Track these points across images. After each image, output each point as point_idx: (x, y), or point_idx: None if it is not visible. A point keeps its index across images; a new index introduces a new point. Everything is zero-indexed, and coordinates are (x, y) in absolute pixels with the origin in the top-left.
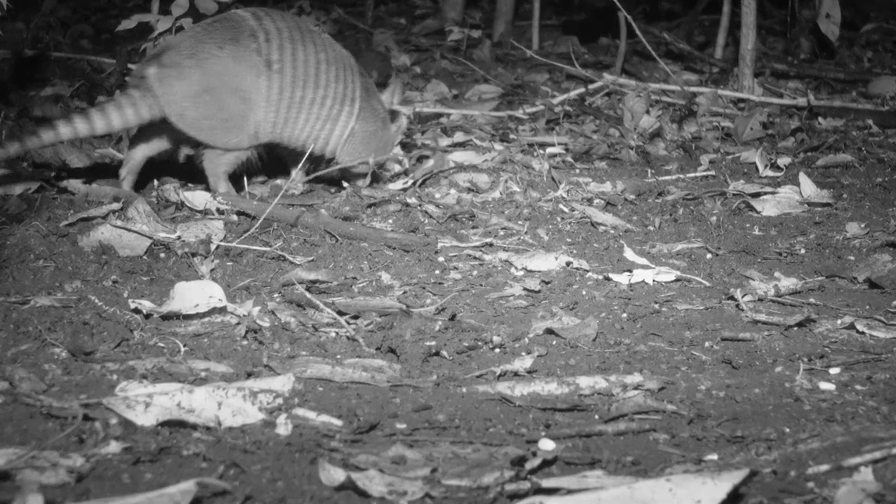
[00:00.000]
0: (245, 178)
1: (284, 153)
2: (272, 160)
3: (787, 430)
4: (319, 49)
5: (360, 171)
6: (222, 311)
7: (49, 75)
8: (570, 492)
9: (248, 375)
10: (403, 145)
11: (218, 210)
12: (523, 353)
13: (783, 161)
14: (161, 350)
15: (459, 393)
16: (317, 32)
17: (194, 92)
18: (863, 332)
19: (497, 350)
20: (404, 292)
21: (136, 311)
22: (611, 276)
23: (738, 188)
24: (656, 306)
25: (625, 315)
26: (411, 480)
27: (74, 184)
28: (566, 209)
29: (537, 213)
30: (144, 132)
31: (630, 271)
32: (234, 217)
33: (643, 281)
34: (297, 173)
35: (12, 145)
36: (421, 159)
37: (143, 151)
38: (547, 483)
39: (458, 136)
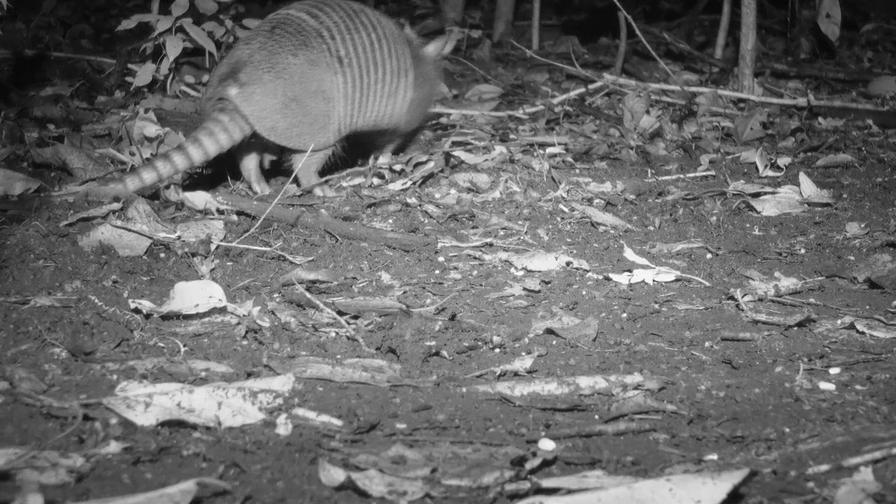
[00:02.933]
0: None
1: (365, 140)
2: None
3: (787, 430)
4: (371, 30)
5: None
6: (222, 311)
7: (49, 75)
8: (570, 492)
9: (248, 375)
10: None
11: (218, 210)
12: (523, 353)
13: (783, 161)
14: (161, 350)
15: (459, 393)
16: (362, 11)
17: (281, 104)
18: (863, 332)
19: (497, 350)
20: (404, 292)
21: (136, 311)
22: (611, 276)
23: (738, 188)
24: (656, 306)
25: (625, 315)
26: (411, 480)
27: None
28: (566, 209)
29: (537, 213)
30: (241, 148)
31: (630, 271)
32: (234, 217)
33: (643, 281)
34: (383, 158)
35: (124, 183)
36: (417, 165)
37: (254, 160)
38: (547, 483)
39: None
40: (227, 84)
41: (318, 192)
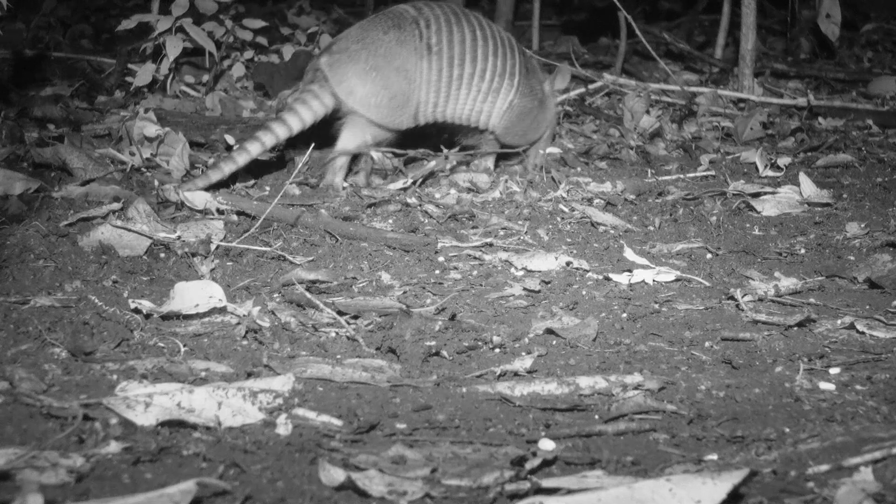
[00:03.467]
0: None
1: (449, 131)
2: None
3: (787, 430)
4: (476, 28)
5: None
6: (222, 311)
7: (49, 75)
8: (570, 492)
9: (248, 375)
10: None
11: (218, 210)
12: (523, 353)
13: (783, 161)
14: (161, 350)
15: (459, 393)
16: (475, 16)
17: (362, 70)
18: (863, 332)
19: (497, 350)
20: (404, 292)
21: (136, 311)
22: (611, 276)
23: (738, 188)
24: (656, 306)
25: (625, 315)
26: (411, 480)
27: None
28: (566, 209)
29: (537, 213)
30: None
31: (630, 271)
32: (234, 217)
33: (643, 281)
34: (486, 162)
35: (225, 165)
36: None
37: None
38: (547, 483)
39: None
40: (322, 55)
41: (333, 185)
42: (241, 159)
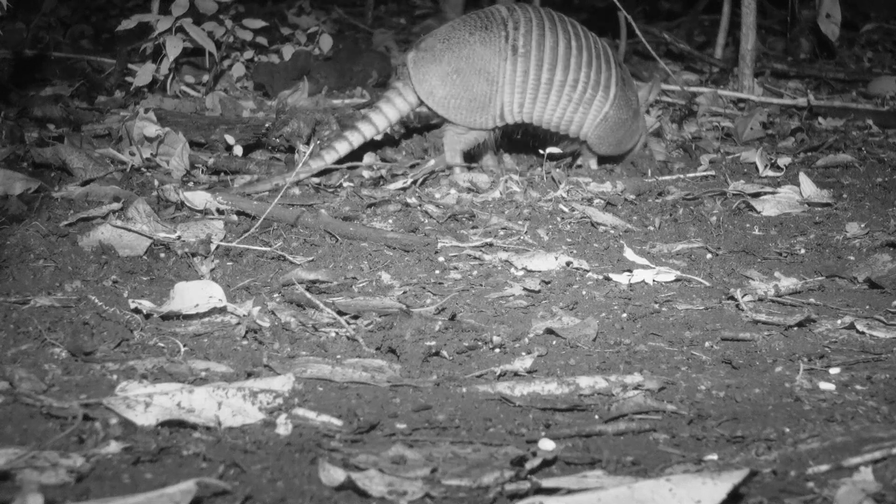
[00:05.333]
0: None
1: (542, 135)
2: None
3: (787, 430)
4: (571, 37)
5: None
6: (222, 311)
7: (49, 75)
8: (570, 492)
9: (248, 375)
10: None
11: (218, 210)
12: (523, 353)
13: (783, 161)
14: (161, 350)
15: (459, 393)
16: (573, 23)
17: (444, 72)
18: (863, 332)
19: (497, 350)
20: (404, 292)
21: (136, 311)
22: (611, 276)
23: (738, 188)
24: (656, 306)
25: (625, 315)
26: (411, 480)
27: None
28: (566, 209)
29: (537, 213)
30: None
31: (630, 271)
32: (234, 217)
33: (643, 281)
34: (579, 161)
35: (314, 162)
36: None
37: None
38: (547, 483)
39: None
40: (408, 51)
41: (456, 171)
42: (329, 157)
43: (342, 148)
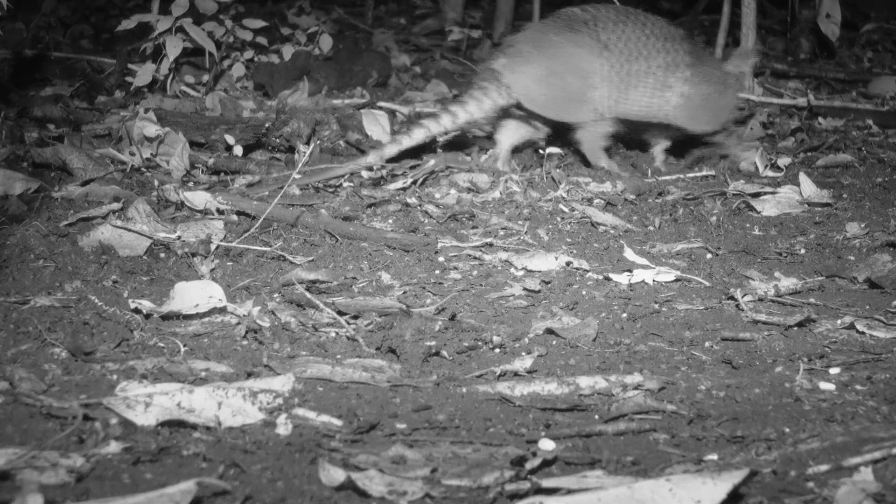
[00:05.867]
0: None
1: (646, 131)
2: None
3: (787, 430)
4: (643, 25)
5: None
6: (222, 311)
7: (49, 75)
8: (570, 492)
9: (248, 375)
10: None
11: (218, 210)
12: (523, 353)
13: (783, 161)
14: (161, 350)
15: (459, 393)
16: (640, 13)
17: (539, 74)
18: (863, 332)
19: (497, 350)
20: (404, 292)
21: (136, 311)
22: (611, 276)
23: (738, 188)
24: (656, 306)
25: (625, 315)
26: (411, 480)
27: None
28: (566, 209)
29: (537, 213)
30: (507, 124)
31: (630, 271)
32: (234, 217)
33: (643, 281)
34: (660, 150)
35: (391, 145)
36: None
37: (509, 140)
38: (547, 483)
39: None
40: (496, 55)
41: (605, 165)
42: (406, 142)
43: (419, 134)
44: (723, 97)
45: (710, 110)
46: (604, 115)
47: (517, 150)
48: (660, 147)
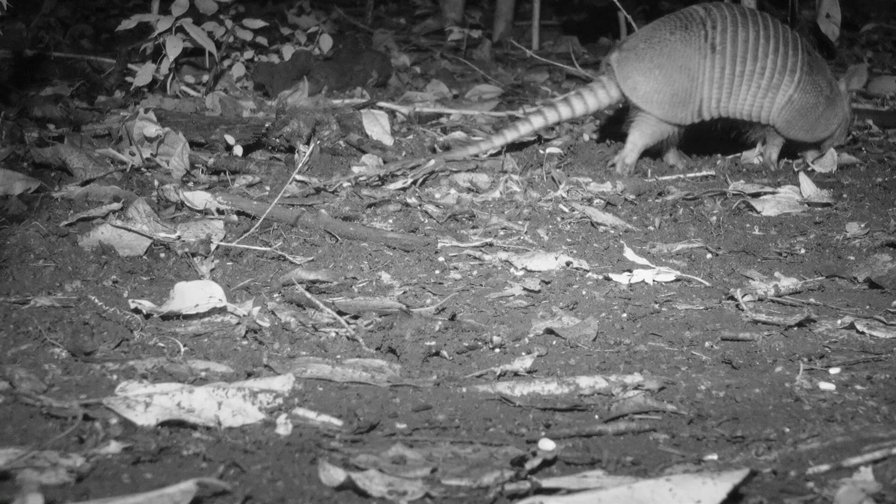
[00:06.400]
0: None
1: (732, 126)
2: None
3: (787, 430)
4: (761, 28)
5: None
6: (222, 311)
7: (49, 75)
8: (570, 492)
9: (248, 375)
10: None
11: (218, 210)
12: (523, 353)
13: (783, 161)
14: (161, 350)
15: (459, 393)
16: (764, 15)
17: (646, 68)
18: (863, 332)
19: (497, 350)
20: (404, 292)
21: (136, 311)
22: (611, 276)
23: (738, 188)
24: (656, 306)
25: (625, 315)
26: (411, 480)
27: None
28: (566, 209)
29: (537, 213)
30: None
31: (630, 271)
32: (234, 217)
33: (643, 281)
34: (758, 149)
35: (508, 132)
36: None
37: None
38: (547, 483)
39: (458, 135)
40: (612, 51)
41: (622, 168)
42: (524, 129)
43: (537, 122)
44: (829, 110)
45: (811, 120)
46: (708, 116)
47: (518, 147)
48: (760, 147)
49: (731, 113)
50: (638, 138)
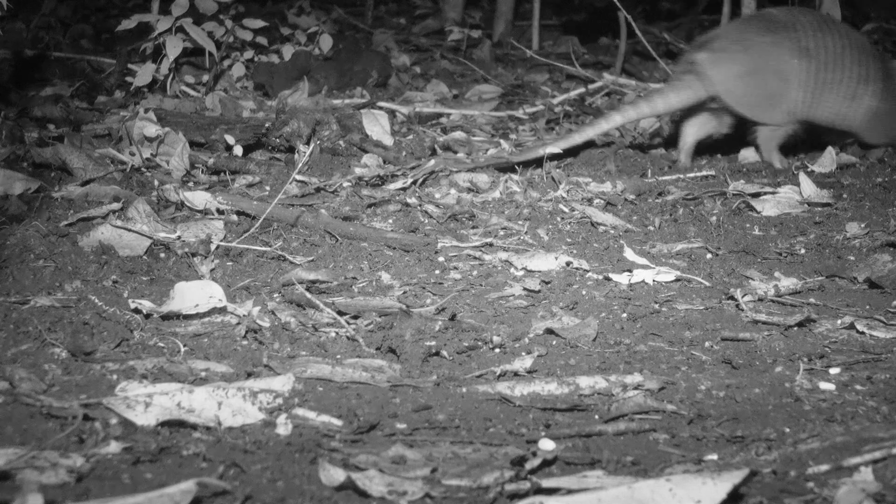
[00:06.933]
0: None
1: (821, 130)
2: None
3: (787, 430)
4: (842, 36)
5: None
6: (222, 311)
7: (49, 75)
8: (570, 492)
9: (248, 375)
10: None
11: (218, 210)
12: (523, 353)
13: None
14: (161, 350)
15: (459, 393)
16: (837, 22)
17: (741, 72)
18: (863, 332)
19: (497, 350)
20: (404, 292)
21: (136, 311)
22: (611, 276)
23: (738, 188)
24: (656, 306)
25: (625, 315)
26: (411, 480)
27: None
28: (566, 209)
29: (537, 213)
30: (693, 118)
31: (630, 271)
32: (234, 217)
33: (643, 281)
34: (829, 150)
35: (590, 128)
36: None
37: (694, 134)
38: (547, 483)
39: (458, 135)
40: (697, 50)
41: (776, 164)
42: (607, 125)
43: (618, 119)
44: None
45: (889, 124)
46: (794, 118)
47: (518, 145)
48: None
49: (813, 117)
50: (770, 141)
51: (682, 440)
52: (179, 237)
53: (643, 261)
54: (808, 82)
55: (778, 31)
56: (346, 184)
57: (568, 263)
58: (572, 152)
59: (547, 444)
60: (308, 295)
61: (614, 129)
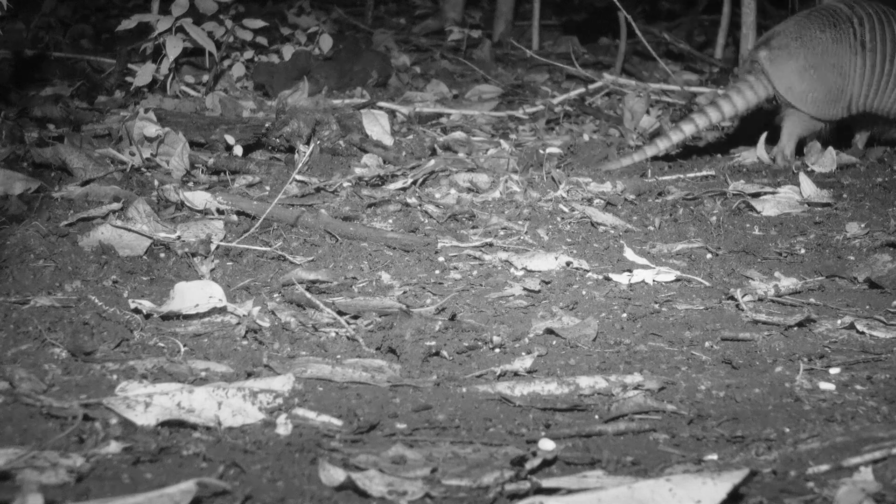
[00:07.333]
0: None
1: (862, 120)
2: None
3: (787, 430)
4: None
5: None
6: (222, 311)
7: (49, 75)
8: (570, 492)
9: (248, 375)
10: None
11: (218, 210)
12: (523, 353)
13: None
14: (161, 350)
15: (459, 393)
16: (893, 13)
17: (801, 68)
18: (863, 332)
19: (497, 350)
20: (404, 292)
21: (136, 311)
22: (611, 276)
23: (738, 188)
24: (656, 306)
25: (625, 315)
26: (411, 480)
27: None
28: (566, 209)
29: (537, 213)
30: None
31: (630, 271)
32: (234, 217)
33: (643, 281)
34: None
35: (670, 137)
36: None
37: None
38: (547, 483)
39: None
40: (759, 48)
41: (781, 156)
42: (676, 138)
43: (688, 129)
44: None
45: None
46: (853, 112)
47: (518, 147)
48: (863, 136)
49: (874, 109)
50: (794, 131)
51: (682, 440)
52: (179, 237)
53: (643, 261)
54: (870, 76)
55: (839, 25)
56: (346, 184)
57: (568, 263)
58: (573, 152)
59: (547, 444)
60: (308, 295)
61: (683, 141)
